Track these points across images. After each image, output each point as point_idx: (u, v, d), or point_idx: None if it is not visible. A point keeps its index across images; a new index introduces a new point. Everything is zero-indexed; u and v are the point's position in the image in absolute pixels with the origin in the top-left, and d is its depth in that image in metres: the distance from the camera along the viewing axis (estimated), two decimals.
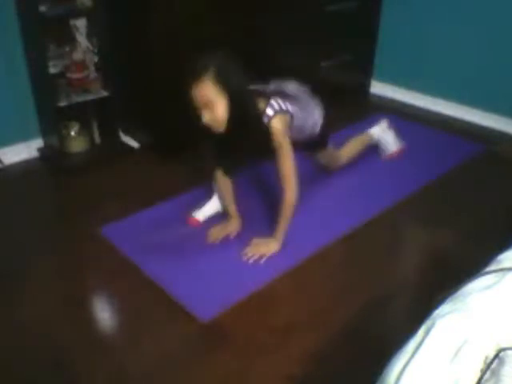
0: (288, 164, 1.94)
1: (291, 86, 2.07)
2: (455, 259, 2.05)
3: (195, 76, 1.74)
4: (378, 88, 3.72)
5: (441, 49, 3.29)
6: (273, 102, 1.91)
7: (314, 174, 2.49)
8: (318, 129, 2.22)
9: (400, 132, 2.85)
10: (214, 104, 1.76)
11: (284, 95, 1.99)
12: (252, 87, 1.90)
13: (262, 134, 1.89)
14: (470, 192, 2.54)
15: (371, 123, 2.79)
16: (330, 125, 2.30)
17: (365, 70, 3.68)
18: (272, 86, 2.03)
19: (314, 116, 2.17)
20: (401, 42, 3.48)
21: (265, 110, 1.89)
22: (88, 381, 1.56)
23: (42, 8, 2.37)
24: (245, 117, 1.84)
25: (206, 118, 1.79)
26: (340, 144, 2.58)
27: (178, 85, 2.59)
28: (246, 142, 1.89)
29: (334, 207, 2.36)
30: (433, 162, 2.76)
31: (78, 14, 2.52)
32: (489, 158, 2.84)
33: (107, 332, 1.80)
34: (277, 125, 1.89)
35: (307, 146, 2.27)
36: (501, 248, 1.20)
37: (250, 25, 2.80)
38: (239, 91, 1.81)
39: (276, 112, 1.89)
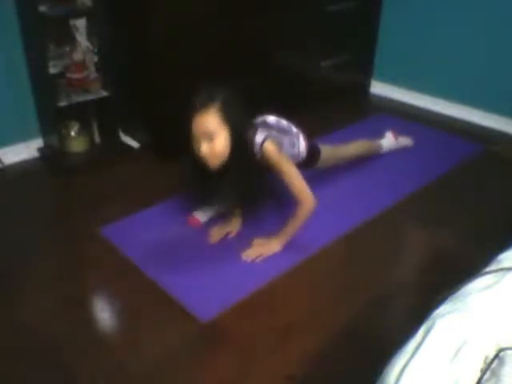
0: (295, 180, 1.95)
1: (271, 119, 2.13)
2: (455, 259, 2.05)
3: (201, 106, 1.76)
4: (378, 88, 3.72)
5: (441, 49, 3.29)
6: (260, 131, 1.95)
7: (314, 175, 2.48)
8: (303, 155, 2.24)
9: (400, 132, 2.86)
10: (215, 136, 1.77)
11: (269, 127, 2.05)
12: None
13: (256, 172, 1.92)
14: (470, 192, 2.54)
15: (371, 123, 2.80)
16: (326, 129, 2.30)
17: (365, 70, 3.68)
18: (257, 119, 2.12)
19: (298, 147, 2.19)
20: (401, 42, 3.48)
21: (253, 139, 1.91)
22: (88, 381, 1.56)
23: (42, 8, 2.37)
24: (243, 153, 1.86)
25: (205, 149, 1.79)
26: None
27: (178, 85, 2.61)
28: (236, 181, 1.90)
29: (334, 207, 2.36)
30: (433, 162, 2.76)
31: (78, 14, 2.52)
32: (489, 158, 2.84)
33: (107, 332, 1.80)
34: (269, 146, 1.91)
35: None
36: (501, 248, 1.21)
37: (250, 25, 2.80)
38: (241, 126, 1.84)
39: (265, 137, 1.92)
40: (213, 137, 1.78)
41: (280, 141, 2.03)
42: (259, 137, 1.91)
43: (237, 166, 1.86)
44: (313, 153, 2.30)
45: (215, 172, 1.88)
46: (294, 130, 2.21)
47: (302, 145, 2.22)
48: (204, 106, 1.76)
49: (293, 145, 2.15)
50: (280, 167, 1.93)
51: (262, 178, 1.98)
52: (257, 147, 1.91)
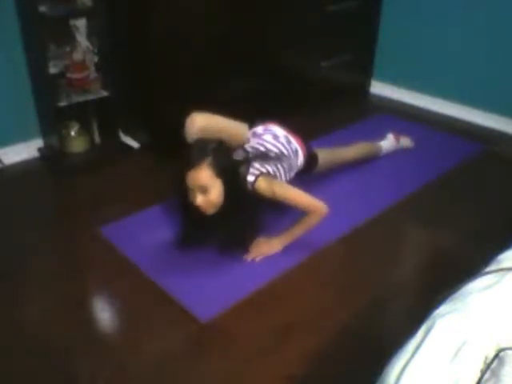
0: (299, 200, 1.98)
1: (269, 141, 2.15)
2: (455, 259, 2.05)
3: (194, 162, 1.82)
4: (378, 88, 3.72)
5: (441, 49, 3.29)
6: (251, 169, 1.99)
7: (314, 175, 2.49)
8: (301, 167, 2.28)
9: (400, 132, 2.86)
10: (209, 188, 1.83)
11: (263, 157, 2.07)
12: (237, 158, 2.00)
13: (249, 212, 1.97)
14: (470, 192, 2.54)
15: (371, 123, 2.79)
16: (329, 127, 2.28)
17: (365, 70, 3.68)
18: (254, 138, 2.15)
19: (295, 161, 2.23)
20: (401, 41, 3.48)
21: (246, 178, 1.96)
22: (88, 381, 1.56)
23: (42, 8, 2.37)
24: (236, 198, 1.90)
25: (199, 200, 1.84)
26: (339, 144, 2.59)
27: (178, 85, 2.61)
28: (230, 222, 1.95)
29: (334, 207, 2.35)
30: (433, 162, 2.76)
31: (78, 14, 2.52)
32: (489, 158, 2.84)
33: (107, 332, 1.80)
34: (261, 184, 1.96)
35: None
36: (501, 248, 1.21)
37: (250, 25, 2.80)
38: (233, 174, 1.91)
39: (257, 176, 1.97)
40: (207, 189, 1.83)
41: (275, 170, 2.07)
42: (251, 176, 1.96)
43: (230, 210, 1.90)
44: (310, 161, 2.32)
45: (209, 215, 1.92)
46: (293, 145, 2.21)
47: (300, 159, 2.25)
48: (196, 161, 1.82)
49: (290, 167, 2.18)
50: (277, 198, 1.97)
51: (254, 218, 2.03)
52: (249, 186, 1.96)
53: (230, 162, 1.92)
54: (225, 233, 2.01)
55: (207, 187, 1.83)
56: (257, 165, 2.01)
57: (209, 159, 1.82)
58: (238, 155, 2.04)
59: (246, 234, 2.05)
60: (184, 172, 1.84)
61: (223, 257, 2.04)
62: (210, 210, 1.89)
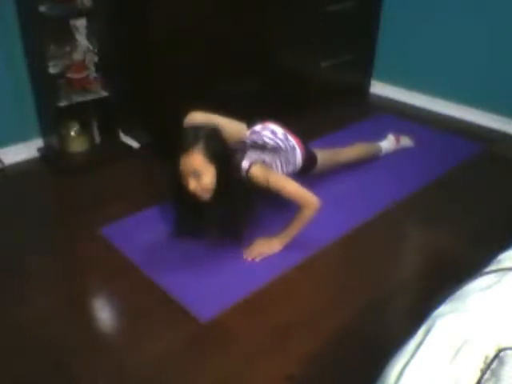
0: (292, 191, 1.99)
1: (267, 135, 2.16)
2: (455, 259, 2.05)
3: (186, 148, 1.83)
4: (378, 88, 3.72)
5: (441, 49, 3.29)
6: (247, 156, 1.99)
7: (314, 175, 2.49)
8: (299, 166, 2.28)
9: (400, 132, 2.86)
10: (201, 173, 1.85)
11: (261, 148, 2.08)
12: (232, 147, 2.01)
13: (243, 199, 1.97)
14: (470, 192, 2.54)
15: (371, 123, 2.79)
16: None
17: (365, 70, 3.68)
18: (253, 135, 2.17)
19: (293, 157, 2.23)
20: (401, 41, 3.48)
21: (240, 166, 1.96)
22: (88, 381, 1.56)
23: (42, 8, 2.37)
24: (229, 184, 1.92)
25: (193, 185, 1.86)
26: (339, 144, 2.59)
27: (178, 85, 2.61)
28: (224, 209, 1.97)
29: (334, 207, 2.36)
30: (433, 162, 2.76)
31: (78, 14, 2.52)
32: (489, 158, 2.84)
33: (107, 332, 1.80)
34: (255, 172, 1.97)
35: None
36: (501, 248, 1.20)
37: (250, 24, 2.80)
38: (226, 160, 1.91)
39: (252, 162, 1.97)
40: (200, 175, 1.85)
41: (271, 161, 2.08)
42: (245, 162, 1.97)
43: (224, 196, 1.92)
44: (309, 161, 2.32)
45: (204, 201, 1.93)
46: (291, 142, 2.22)
47: (298, 157, 2.25)
48: (189, 146, 1.83)
49: (287, 162, 2.19)
50: (271, 187, 1.97)
51: (249, 205, 2.03)
52: (243, 173, 1.96)
53: (222, 148, 1.92)
54: (218, 220, 2.01)
55: (200, 172, 1.84)
56: (252, 153, 2.02)
57: (201, 144, 1.83)
58: (235, 146, 2.04)
59: (239, 222, 2.05)
60: (177, 158, 1.85)
61: (216, 247, 2.04)
62: (205, 195, 1.90)
